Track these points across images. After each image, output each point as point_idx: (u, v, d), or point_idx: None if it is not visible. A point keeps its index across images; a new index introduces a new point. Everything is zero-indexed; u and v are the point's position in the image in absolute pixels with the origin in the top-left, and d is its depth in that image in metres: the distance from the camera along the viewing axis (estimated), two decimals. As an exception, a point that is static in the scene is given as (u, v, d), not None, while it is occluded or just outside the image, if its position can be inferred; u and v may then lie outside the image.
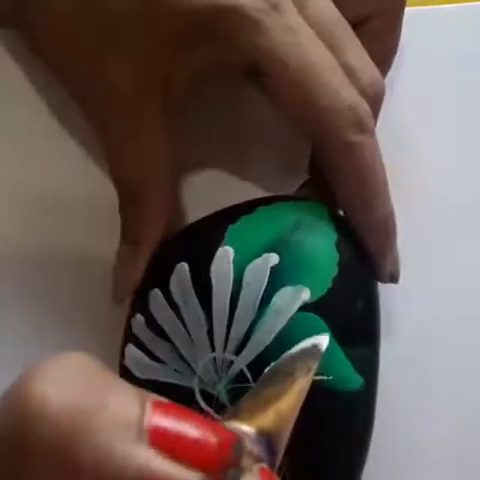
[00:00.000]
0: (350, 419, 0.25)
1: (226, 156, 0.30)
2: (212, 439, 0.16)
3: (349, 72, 0.25)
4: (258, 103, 0.28)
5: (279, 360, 0.23)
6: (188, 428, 0.16)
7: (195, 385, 0.26)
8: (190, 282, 0.26)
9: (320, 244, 0.25)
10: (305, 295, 0.24)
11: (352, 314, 0.25)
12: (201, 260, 0.26)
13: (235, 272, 0.25)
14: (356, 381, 0.24)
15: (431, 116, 0.31)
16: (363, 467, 0.26)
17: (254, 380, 0.25)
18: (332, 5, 0.26)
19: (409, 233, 0.28)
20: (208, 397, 0.25)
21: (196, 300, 0.25)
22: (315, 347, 0.23)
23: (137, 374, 0.27)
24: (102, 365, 0.18)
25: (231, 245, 0.25)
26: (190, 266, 0.26)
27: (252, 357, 0.25)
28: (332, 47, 0.25)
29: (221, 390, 0.25)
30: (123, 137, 0.26)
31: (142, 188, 0.27)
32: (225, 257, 0.25)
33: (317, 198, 0.27)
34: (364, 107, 0.25)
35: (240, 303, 0.25)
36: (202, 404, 0.26)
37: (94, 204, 0.30)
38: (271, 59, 0.25)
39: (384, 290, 0.27)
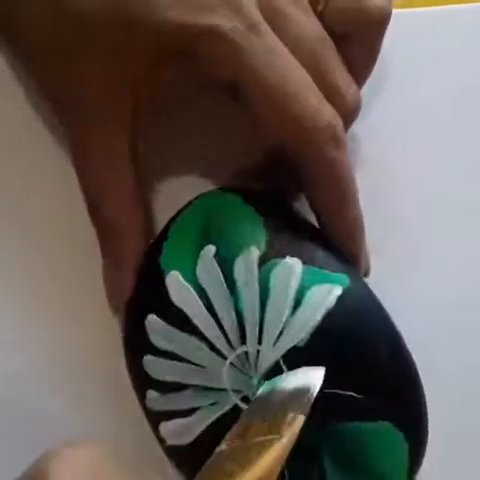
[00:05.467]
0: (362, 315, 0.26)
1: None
2: None
3: (333, 90, 0.26)
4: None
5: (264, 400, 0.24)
6: None
7: (235, 399, 0.26)
8: (167, 326, 0.26)
9: (230, 210, 0.27)
10: (254, 253, 0.26)
11: (293, 231, 0.27)
12: (160, 302, 0.27)
13: (192, 284, 0.26)
14: (343, 278, 0.26)
15: (432, 116, 0.32)
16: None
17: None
18: (314, 21, 0.27)
19: (409, 233, 0.30)
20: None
21: (179, 333, 0.26)
22: (306, 390, 0.23)
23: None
24: (114, 456, 0.20)
25: (173, 270, 0.27)
26: (157, 315, 0.27)
27: (257, 336, 0.25)
28: (313, 65, 0.26)
29: (255, 384, 0.25)
30: (89, 147, 0.26)
31: (106, 200, 0.27)
32: (176, 282, 0.26)
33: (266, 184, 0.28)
34: (339, 123, 0.26)
35: (215, 304, 0.26)
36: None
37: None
38: (248, 80, 0.25)
39: (383, 292, 0.28)
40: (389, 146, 0.29)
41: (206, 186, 0.30)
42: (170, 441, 0.27)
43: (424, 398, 0.26)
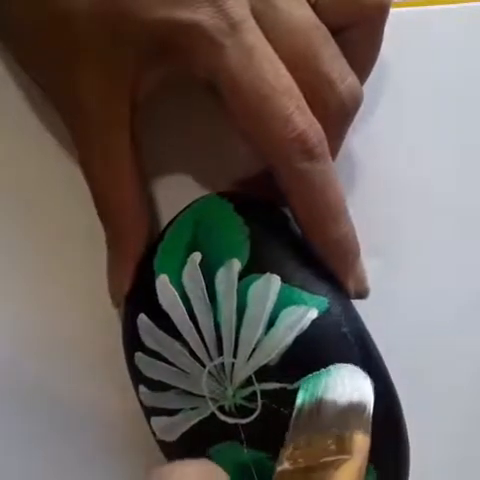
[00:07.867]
0: (341, 338, 0.24)
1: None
2: None
3: (326, 80, 0.25)
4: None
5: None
6: None
7: (213, 408, 0.26)
8: (155, 327, 0.27)
9: (219, 218, 0.26)
10: (236, 265, 0.25)
11: (279, 246, 0.26)
12: (150, 303, 0.27)
13: (178, 290, 0.26)
14: (321, 302, 0.25)
15: (431, 117, 0.31)
16: None
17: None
18: (307, 11, 0.26)
19: (408, 234, 0.29)
20: (227, 411, 0.26)
21: (165, 336, 0.26)
22: (362, 406, 0.23)
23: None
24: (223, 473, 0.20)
25: (163, 273, 0.27)
26: (147, 315, 0.27)
27: (232, 350, 0.25)
28: (305, 56, 0.25)
29: (230, 395, 0.25)
30: (92, 147, 0.26)
31: (111, 198, 0.27)
32: (164, 285, 0.27)
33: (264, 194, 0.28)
34: (315, 133, 0.24)
35: (197, 312, 0.26)
36: (230, 420, 0.26)
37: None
38: (225, 80, 0.24)
39: (383, 293, 0.28)
40: (388, 147, 0.27)
41: (206, 189, 0.29)
42: (159, 436, 0.28)
43: (402, 428, 0.25)
